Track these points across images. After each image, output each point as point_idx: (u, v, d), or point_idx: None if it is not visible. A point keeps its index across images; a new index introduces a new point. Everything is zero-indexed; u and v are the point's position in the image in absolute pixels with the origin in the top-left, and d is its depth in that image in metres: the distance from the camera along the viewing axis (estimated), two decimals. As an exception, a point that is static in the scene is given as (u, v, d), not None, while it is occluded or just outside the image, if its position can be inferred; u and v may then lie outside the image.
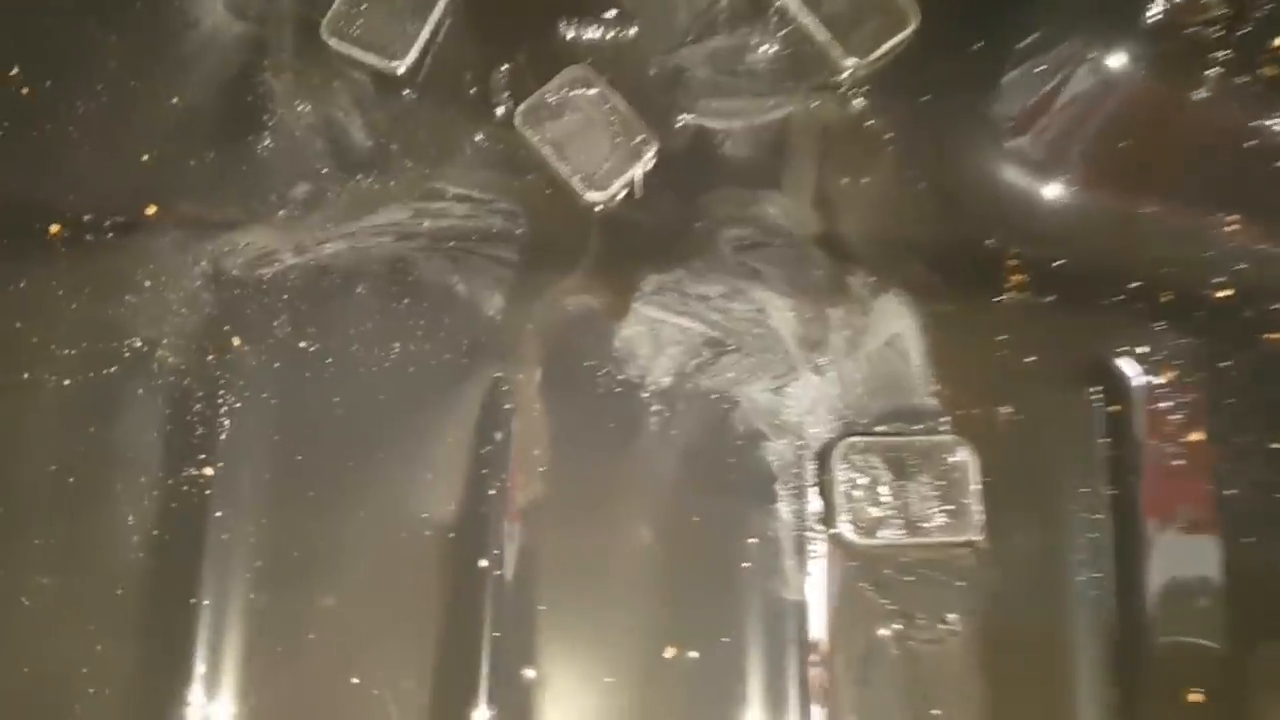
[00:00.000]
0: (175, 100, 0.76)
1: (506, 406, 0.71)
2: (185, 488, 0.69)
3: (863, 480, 0.69)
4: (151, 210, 0.74)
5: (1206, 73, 0.72)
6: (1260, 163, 0.74)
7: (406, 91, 0.77)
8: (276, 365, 0.71)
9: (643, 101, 0.77)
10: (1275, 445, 0.73)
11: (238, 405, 0.70)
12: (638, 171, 0.76)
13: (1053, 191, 0.77)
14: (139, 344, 0.71)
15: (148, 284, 0.72)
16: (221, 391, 0.70)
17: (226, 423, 0.70)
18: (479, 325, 0.73)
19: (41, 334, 0.71)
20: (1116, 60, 0.73)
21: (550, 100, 0.77)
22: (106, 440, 0.69)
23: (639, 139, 0.76)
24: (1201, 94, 0.72)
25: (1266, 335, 0.74)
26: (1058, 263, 0.75)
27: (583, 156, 0.76)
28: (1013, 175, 0.77)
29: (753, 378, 0.72)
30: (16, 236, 0.73)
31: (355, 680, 0.67)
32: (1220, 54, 0.72)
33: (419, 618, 0.68)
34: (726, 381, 0.72)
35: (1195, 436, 0.72)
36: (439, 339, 0.72)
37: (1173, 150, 0.76)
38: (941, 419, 0.72)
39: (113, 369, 0.70)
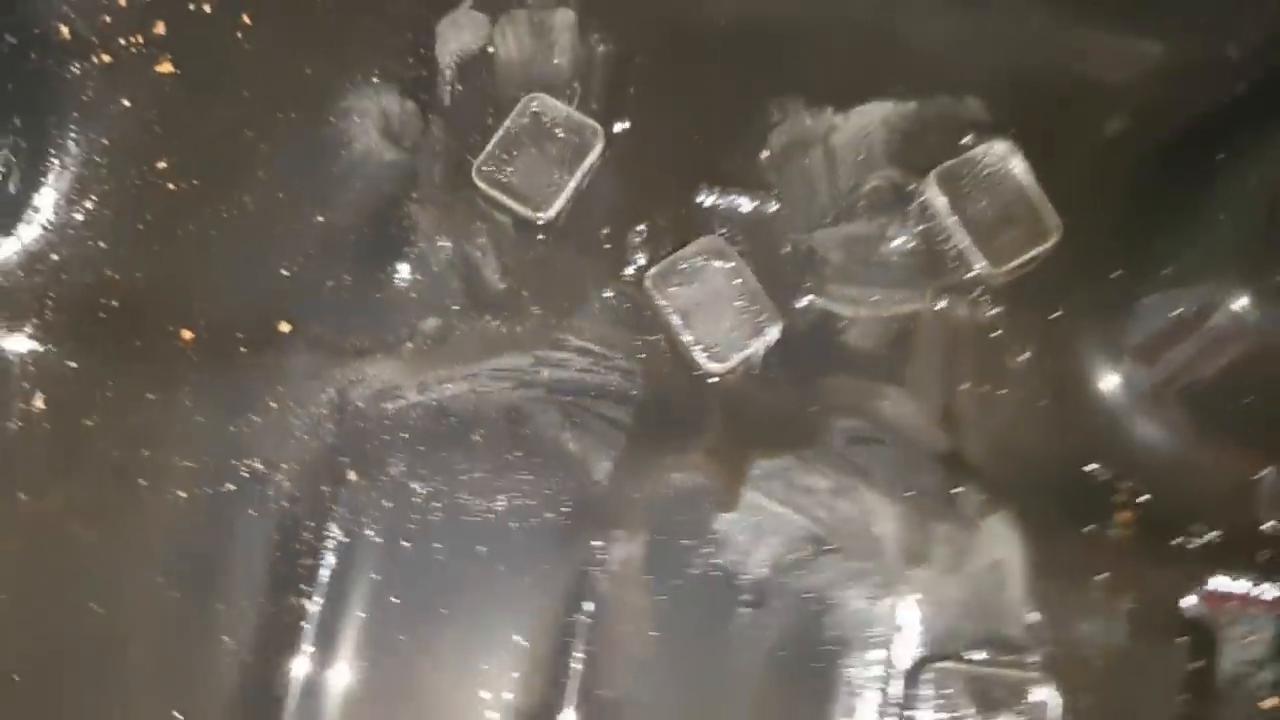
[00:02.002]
0: (320, 219, 0.78)
1: (601, 575, 0.72)
2: (284, 618, 0.70)
3: (946, 708, 0.69)
4: (285, 328, 0.75)
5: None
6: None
7: (544, 238, 0.78)
8: (386, 504, 0.72)
9: (772, 277, 0.78)
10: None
11: (345, 540, 0.71)
12: (759, 348, 0.77)
13: (1172, 433, 0.76)
14: (259, 466, 0.72)
15: (274, 405, 0.73)
16: (330, 524, 0.71)
17: (331, 558, 0.71)
18: (585, 488, 0.74)
19: (164, 443, 0.72)
20: (1252, 310, 0.73)
21: (682, 267, 0.78)
22: (214, 559, 0.71)
23: (764, 316, 0.77)
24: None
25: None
26: (1167, 505, 0.75)
27: (707, 326, 0.77)
28: (1135, 409, 0.77)
29: (851, 583, 0.73)
30: (149, 339, 0.75)
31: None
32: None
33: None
34: (823, 582, 0.73)
35: (1271, 703, 0.71)
36: (544, 496, 0.73)
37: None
38: (1032, 653, 0.71)
39: (229, 488, 0.72)
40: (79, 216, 0.77)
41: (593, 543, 0.73)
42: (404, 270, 0.77)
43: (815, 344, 0.78)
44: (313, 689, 0.69)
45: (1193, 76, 0.80)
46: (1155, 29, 0.82)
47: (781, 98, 0.81)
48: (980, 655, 0.71)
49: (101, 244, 0.77)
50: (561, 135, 0.78)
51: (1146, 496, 0.76)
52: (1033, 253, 0.78)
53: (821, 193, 0.80)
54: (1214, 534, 0.75)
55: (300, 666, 0.69)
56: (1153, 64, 0.82)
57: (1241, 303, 0.73)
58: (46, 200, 0.76)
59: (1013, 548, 0.73)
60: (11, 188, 0.76)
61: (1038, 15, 0.83)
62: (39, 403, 0.72)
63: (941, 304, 0.79)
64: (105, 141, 0.78)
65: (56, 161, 0.77)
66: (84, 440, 0.72)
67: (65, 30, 0.78)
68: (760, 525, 0.74)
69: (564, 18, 0.81)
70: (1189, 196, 0.77)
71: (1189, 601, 0.74)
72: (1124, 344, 0.78)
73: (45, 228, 0.77)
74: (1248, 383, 0.75)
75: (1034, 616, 0.72)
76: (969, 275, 0.79)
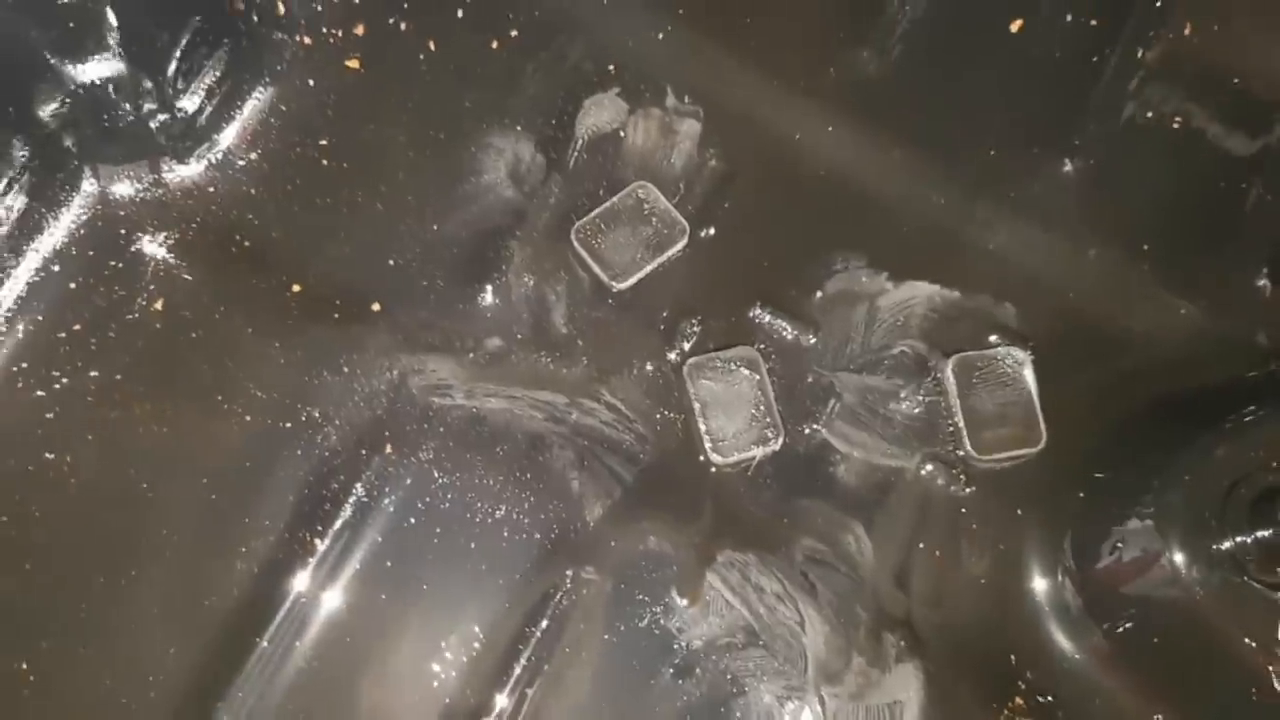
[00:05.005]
0: (435, 227, 0.90)
1: (562, 603, 0.83)
2: (295, 548, 0.81)
3: (812, 812, 0.79)
4: (376, 307, 0.88)
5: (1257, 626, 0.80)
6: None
7: (612, 303, 0.90)
8: (408, 482, 0.84)
9: (789, 398, 0.89)
10: None
11: (365, 500, 0.83)
12: (759, 454, 0.88)
13: (1087, 652, 0.85)
14: (316, 415, 0.84)
15: (345, 370, 0.85)
16: (357, 483, 0.83)
17: (349, 510, 0.83)
18: (574, 523, 0.85)
19: (247, 372, 0.84)
20: (1192, 573, 0.81)
21: (718, 365, 0.89)
22: (255, 481, 0.82)
23: (772, 429, 0.88)
24: (1245, 639, 0.80)
25: None
26: (1064, 713, 0.84)
27: (721, 422, 0.88)
28: (1061, 621, 0.86)
29: (767, 679, 0.83)
30: (264, 281, 0.87)
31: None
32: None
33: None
34: (744, 670, 0.83)
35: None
36: (537, 520, 0.84)
37: (1200, 674, 0.84)
38: (901, 793, 0.81)
39: (287, 425, 0.84)
40: (242, 163, 0.90)
41: (566, 571, 0.83)
42: (488, 292, 0.89)
43: (808, 467, 0.88)
44: (298, 616, 0.81)
45: (1212, 349, 0.90)
46: (1197, 300, 0.92)
47: (847, 252, 0.92)
48: (856, 778, 0.81)
49: (252, 191, 0.90)
50: (655, 223, 0.90)
51: (1048, 698, 0.85)
52: (1015, 453, 0.88)
53: (855, 342, 0.91)
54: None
55: (295, 594, 0.81)
56: (1181, 329, 0.92)
57: (1183, 562, 0.82)
58: (224, 141, 0.90)
59: (914, 695, 0.83)
60: (201, 120, 0.89)
61: (1095, 255, 0.93)
62: (158, 305, 0.85)
63: (926, 469, 0.89)
64: (284, 108, 0.92)
65: (241, 112, 0.90)
66: (184, 348, 0.85)
67: (283, 7, 0.92)
68: (709, 604, 0.84)
69: (690, 128, 0.94)
70: (1164, 450, 0.86)
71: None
72: (1069, 561, 0.87)
73: (212, 163, 0.90)
74: (1166, 630, 0.84)
75: (912, 761, 0.82)
76: (956, 453, 0.89)
